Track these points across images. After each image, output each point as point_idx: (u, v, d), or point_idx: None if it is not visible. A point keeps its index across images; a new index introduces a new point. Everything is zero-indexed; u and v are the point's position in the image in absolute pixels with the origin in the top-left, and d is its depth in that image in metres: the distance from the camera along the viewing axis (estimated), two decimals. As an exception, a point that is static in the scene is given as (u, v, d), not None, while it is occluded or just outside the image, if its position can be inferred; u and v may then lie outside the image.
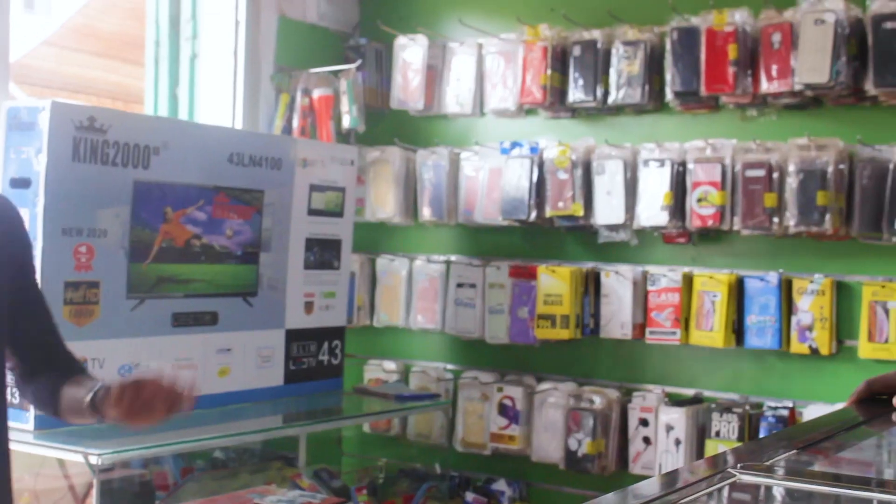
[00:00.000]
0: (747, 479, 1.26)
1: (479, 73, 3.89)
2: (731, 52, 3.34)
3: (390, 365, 4.10)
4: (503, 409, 3.81)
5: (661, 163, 3.48)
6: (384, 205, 4.01)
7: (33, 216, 2.78)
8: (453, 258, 3.99)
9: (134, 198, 2.99)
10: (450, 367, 4.03)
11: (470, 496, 3.87)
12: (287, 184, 3.43)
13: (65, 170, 2.83)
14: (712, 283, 3.45)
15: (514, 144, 3.77)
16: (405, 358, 4.12)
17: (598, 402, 3.62)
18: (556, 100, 3.69)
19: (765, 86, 3.33)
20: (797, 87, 3.26)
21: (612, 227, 3.60)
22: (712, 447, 3.40)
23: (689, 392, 3.58)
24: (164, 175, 3.05)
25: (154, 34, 3.85)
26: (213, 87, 3.86)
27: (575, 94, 3.64)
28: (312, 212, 3.52)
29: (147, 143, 3.01)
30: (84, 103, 3.17)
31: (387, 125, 4.09)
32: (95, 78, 5.98)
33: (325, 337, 3.63)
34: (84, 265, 2.87)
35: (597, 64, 3.60)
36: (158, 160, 3.03)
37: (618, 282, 3.59)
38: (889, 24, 3.15)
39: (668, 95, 3.50)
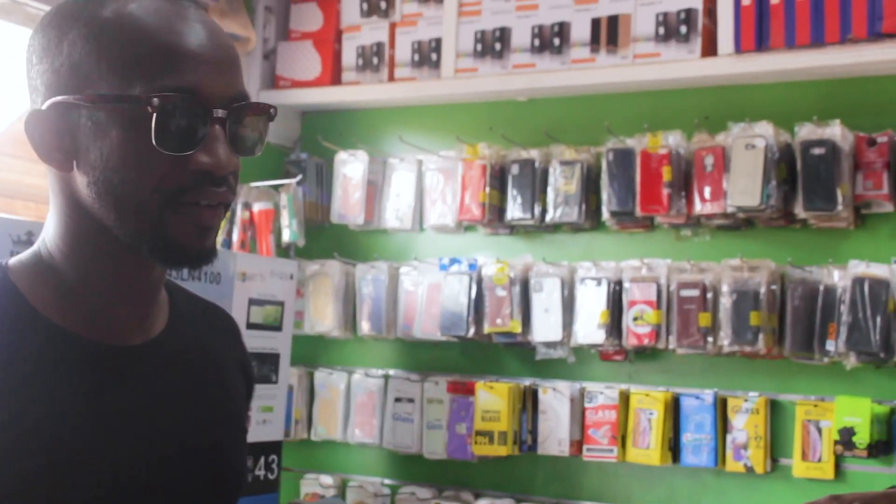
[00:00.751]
0: None
1: (418, 189, 3.94)
2: (666, 173, 3.42)
3: (327, 479, 4.06)
4: (440, 526, 3.79)
5: (598, 281, 3.53)
6: (323, 318, 4.01)
7: (-33, 332, 2.74)
8: (392, 372, 3.99)
9: (70, 313, 2.96)
10: (387, 481, 4.00)
11: None
12: (226, 297, 3.43)
13: (1, 285, 2.81)
14: (649, 401, 3.47)
15: (453, 261, 3.81)
16: (343, 472, 4.09)
17: (536, 519, 3.61)
18: (494, 217, 3.74)
19: (698, 207, 3.41)
20: (730, 209, 3.33)
21: (550, 344, 3.63)
22: (649, 566, 3.39)
23: (626, 510, 3.59)
24: (101, 290, 3.03)
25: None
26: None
27: (513, 211, 3.69)
28: (251, 326, 3.52)
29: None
30: (21, 217, 3.16)
31: (327, 239, 4.11)
32: (34, 185, 5.97)
33: (262, 452, 3.59)
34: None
35: (534, 182, 3.66)
36: (96, 275, 3.01)
37: (555, 398, 3.61)
38: (816, 150, 3.24)
39: (605, 215, 3.56)
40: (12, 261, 1.24)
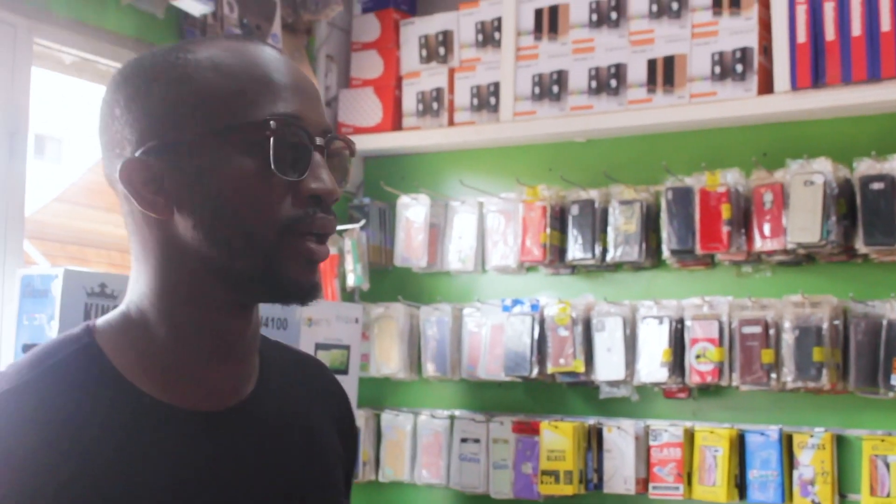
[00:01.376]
0: None
1: (480, 231, 3.99)
2: (725, 211, 3.44)
3: (395, 520, 4.11)
4: (508, 566, 3.81)
5: (660, 320, 3.55)
6: (388, 360, 4.07)
7: (44, 382, 2.83)
8: (457, 413, 4.02)
9: (143, 361, 3.04)
10: (455, 522, 4.03)
11: None
12: (293, 342, 3.49)
13: (76, 336, 2.89)
14: (713, 438, 3.48)
15: (516, 302, 3.85)
16: (410, 513, 4.13)
17: (603, 558, 3.62)
18: (555, 257, 3.78)
19: (758, 244, 3.42)
20: (790, 246, 3.34)
21: (613, 383, 3.65)
22: None
23: (694, 547, 3.59)
24: (172, 338, 3.11)
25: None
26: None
27: (574, 251, 3.73)
28: (318, 370, 3.57)
29: (156, 307, 3.08)
30: (95, 269, 3.25)
31: (390, 282, 4.17)
32: (107, 233, 6.12)
33: (330, 494, 3.64)
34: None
35: (594, 222, 3.70)
36: (167, 324, 3.09)
37: (620, 437, 3.62)
38: (876, 185, 3.24)
39: (665, 253, 3.59)
40: (100, 322, 1.21)
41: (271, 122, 1.14)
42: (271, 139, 1.14)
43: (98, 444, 1.12)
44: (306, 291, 1.19)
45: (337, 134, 1.21)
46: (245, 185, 1.14)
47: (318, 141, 1.18)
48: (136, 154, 1.16)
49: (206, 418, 1.20)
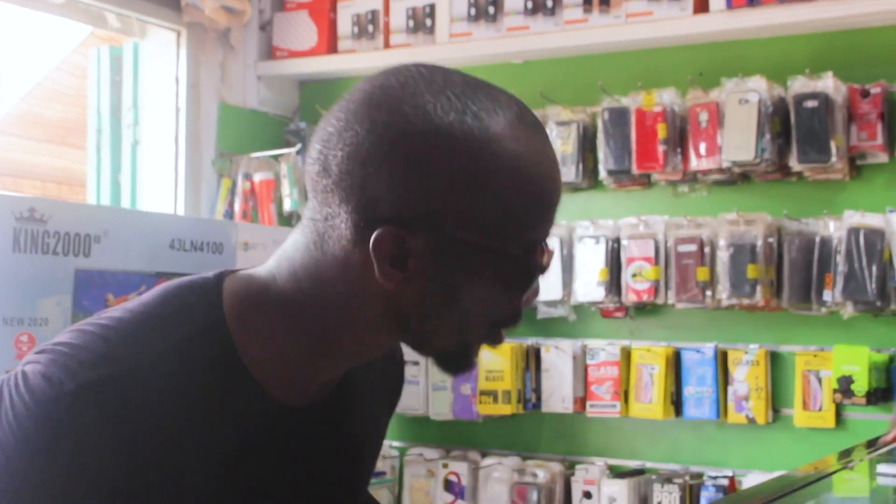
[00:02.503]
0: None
1: (417, 155, 3.96)
2: (661, 131, 3.44)
3: (336, 444, 4.11)
4: (449, 485, 3.84)
5: (597, 239, 3.56)
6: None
7: (-26, 307, 2.79)
8: (397, 337, 4.03)
9: (75, 286, 3.01)
10: (395, 443, 4.05)
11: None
12: (229, 267, 3.46)
13: (5, 261, 2.85)
14: (650, 356, 3.51)
15: (454, 224, 3.84)
16: (351, 437, 4.14)
17: (542, 475, 3.66)
18: (493, 179, 3.76)
19: (694, 163, 3.43)
20: (725, 165, 3.36)
21: (551, 303, 3.67)
22: (654, 518, 3.44)
23: (631, 464, 3.63)
24: (105, 263, 3.08)
25: (96, 122, 3.90)
26: (154, 174, 3.91)
27: (511, 173, 3.72)
28: (255, 294, 3.55)
29: (88, 231, 3.05)
30: (24, 194, 3.20)
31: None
32: (40, 164, 6.01)
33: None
34: (25, 353, 2.89)
35: (532, 144, 3.69)
36: (99, 248, 3.06)
37: (557, 356, 3.65)
38: (810, 103, 3.26)
39: (602, 173, 3.59)
40: (235, 285, 1.16)
41: (537, 248, 1.13)
42: (527, 264, 1.12)
43: (216, 433, 1.12)
44: (468, 368, 1.20)
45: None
46: (487, 300, 1.12)
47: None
48: (392, 221, 1.08)
49: (299, 415, 1.19)
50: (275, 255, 1.17)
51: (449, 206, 1.07)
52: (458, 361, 1.18)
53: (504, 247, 1.09)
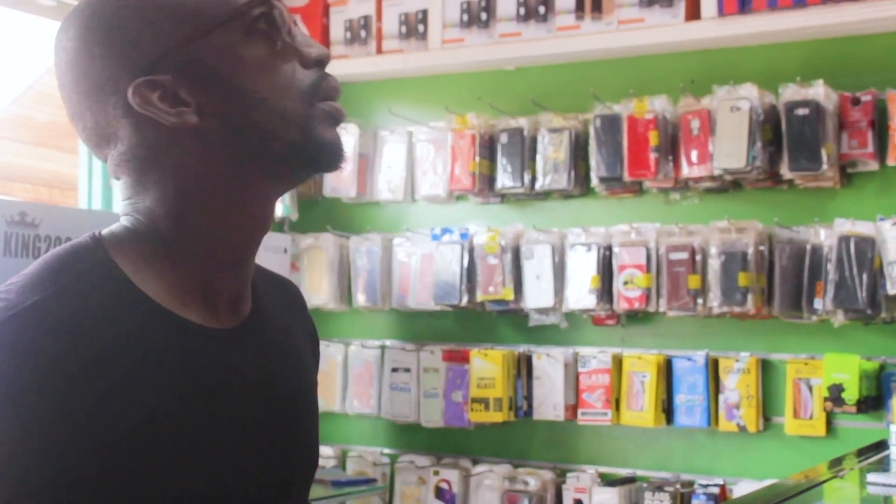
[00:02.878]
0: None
1: (409, 161, 3.97)
2: (653, 138, 3.44)
3: (327, 450, 4.11)
4: (440, 493, 3.83)
5: (588, 247, 3.56)
6: (319, 291, 4.05)
7: (-37, 313, 2.78)
8: (388, 343, 4.03)
9: (65, 292, 3.00)
10: (387, 451, 4.05)
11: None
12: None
13: (-5, 266, 2.85)
14: (641, 364, 3.51)
15: (445, 230, 3.84)
16: (342, 443, 4.13)
17: (533, 483, 3.65)
18: (485, 186, 3.77)
19: (686, 171, 3.43)
20: (716, 172, 3.36)
21: (542, 311, 3.67)
22: (645, 526, 3.44)
23: (622, 472, 3.63)
24: (95, 268, 3.07)
25: (87, 127, 3.89)
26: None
27: (503, 180, 3.72)
28: (246, 301, 3.55)
29: (79, 236, 3.03)
30: (15, 198, 3.20)
31: (320, 213, 4.14)
32: (31, 167, 6.00)
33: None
34: (15, 360, 2.88)
35: (523, 151, 3.69)
36: (90, 254, 3.05)
37: (549, 364, 3.64)
38: (801, 111, 3.26)
39: (594, 181, 3.60)
40: (105, 234, 1.18)
41: (252, 4, 1.16)
42: (273, 13, 1.16)
43: (125, 359, 1.10)
44: (339, 150, 1.22)
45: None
46: (264, 66, 1.16)
47: (296, 17, 1.22)
48: (140, 79, 1.14)
49: (217, 334, 1.20)
50: (122, 216, 1.20)
51: (160, 33, 1.14)
52: (324, 147, 1.20)
53: (233, 20, 1.15)
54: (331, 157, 1.21)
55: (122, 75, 1.15)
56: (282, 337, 1.31)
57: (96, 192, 3.88)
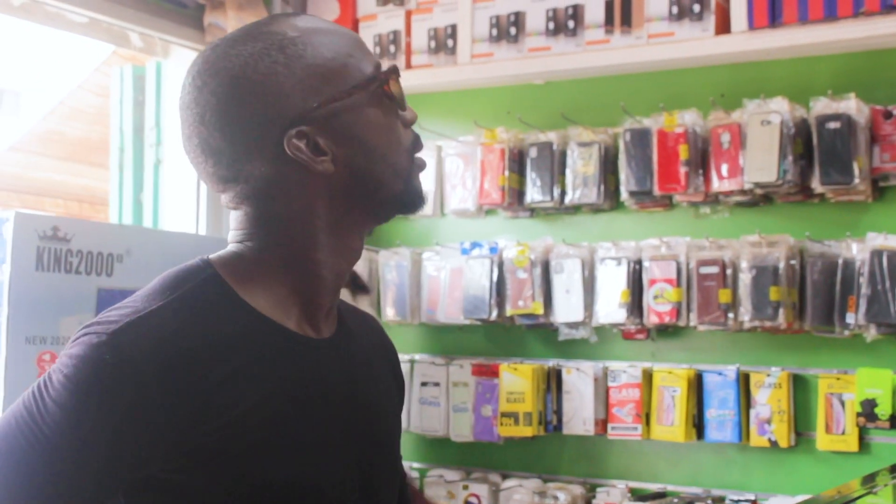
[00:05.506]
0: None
1: (438, 175, 3.97)
2: (683, 152, 3.44)
3: (356, 465, 4.10)
4: (469, 508, 3.83)
5: (618, 261, 3.55)
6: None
7: (-4, 326, 2.80)
8: (417, 357, 4.03)
9: (98, 305, 3.01)
10: (416, 465, 4.04)
11: None
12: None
13: (28, 279, 2.86)
14: (671, 378, 3.50)
15: (475, 245, 3.84)
16: (371, 457, 4.12)
17: (563, 498, 3.64)
18: (514, 200, 3.77)
19: (716, 184, 3.42)
20: (747, 186, 3.35)
21: (572, 325, 3.66)
22: (676, 542, 3.42)
23: (652, 487, 3.61)
24: (127, 282, 3.09)
25: (118, 141, 3.92)
26: (177, 193, 3.91)
27: (532, 194, 3.72)
28: (276, 314, 3.55)
29: (111, 250, 3.06)
30: (48, 213, 3.22)
31: (349, 227, 4.14)
32: (62, 182, 6.04)
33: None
34: (47, 373, 2.89)
35: (553, 165, 3.69)
36: (122, 267, 3.07)
37: (579, 378, 3.63)
38: (832, 124, 3.25)
39: (623, 195, 3.59)
40: (213, 258, 1.38)
41: (382, 74, 1.40)
42: (389, 84, 1.40)
43: (236, 363, 1.28)
44: (423, 196, 1.47)
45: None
46: (384, 126, 1.39)
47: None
48: (294, 129, 1.34)
49: (313, 343, 1.39)
50: (231, 242, 1.42)
51: (304, 91, 1.34)
52: (415, 194, 1.45)
53: (363, 87, 1.37)
54: (418, 201, 1.46)
55: (271, 123, 1.34)
56: (364, 355, 1.50)
57: (127, 207, 3.89)
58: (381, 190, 1.39)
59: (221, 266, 1.36)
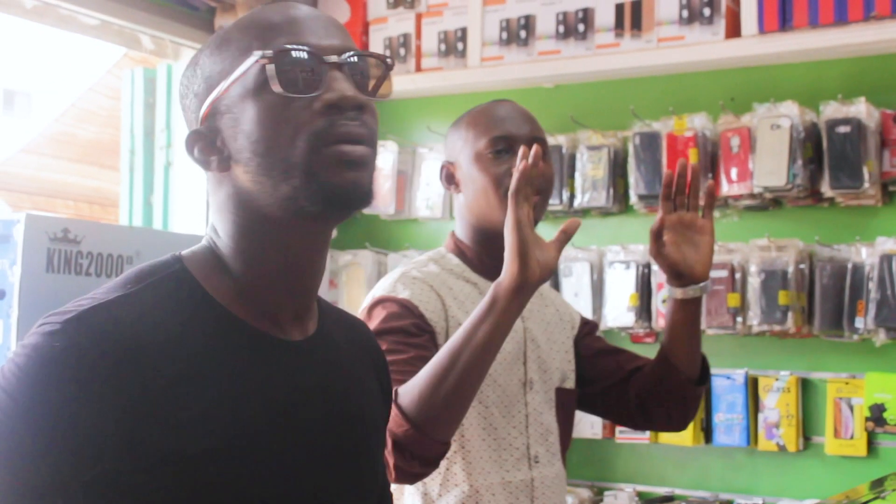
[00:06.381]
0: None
1: (448, 178, 3.97)
2: (692, 156, 3.43)
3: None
4: (477, 511, 3.82)
5: (627, 265, 3.55)
6: (357, 307, 4.04)
7: (7, 327, 2.80)
8: (426, 360, 4.02)
9: (107, 307, 3.02)
10: (424, 468, 4.04)
11: None
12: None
13: (39, 281, 2.87)
14: (680, 382, 3.49)
15: (483, 247, 3.83)
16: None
17: (571, 502, 3.64)
18: (523, 203, 3.76)
19: (725, 188, 3.42)
20: (756, 190, 3.35)
21: (581, 328, 3.66)
22: (684, 546, 3.42)
23: (660, 491, 3.61)
24: (137, 284, 3.09)
25: (129, 143, 3.93)
26: (187, 195, 3.92)
27: (542, 197, 3.72)
28: (285, 316, 3.56)
29: (120, 252, 3.06)
30: (58, 215, 3.23)
31: (358, 230, 4.16)
32: (74, 184, 6.05)
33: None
34: (57, 374, 2.90)
35: (562, 168, 3.69)
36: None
37: (587, 382, 3.63)
38: (842, 129, 3.25)
39: (633, 198, 3.59)
40: (186, 252, 1.33)
41: (268, 52, 1.25)
42: (274, 67, 1.25)
43: (196, 359, 1.23)
44: (347, 191, 1.26)
45: (360, 50, 1.30)
46: (267, 117, 1.25)
47: (332, 58, 1.27)
48: (189, 132, 1.32)
49: (284, 345, 1.31)
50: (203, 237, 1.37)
51: (204, 86, 1.31)
52: (327, 189, 1.25)
53: (242, 76, 1.27)
54: (343, 198, 1.26)
55: (192, 118, 1.35)
56: (343, 360, 1.42)
57: (137, 209, 3.91)
58: (279, 186, 1.25)
59: (191, 261, 1.31)
